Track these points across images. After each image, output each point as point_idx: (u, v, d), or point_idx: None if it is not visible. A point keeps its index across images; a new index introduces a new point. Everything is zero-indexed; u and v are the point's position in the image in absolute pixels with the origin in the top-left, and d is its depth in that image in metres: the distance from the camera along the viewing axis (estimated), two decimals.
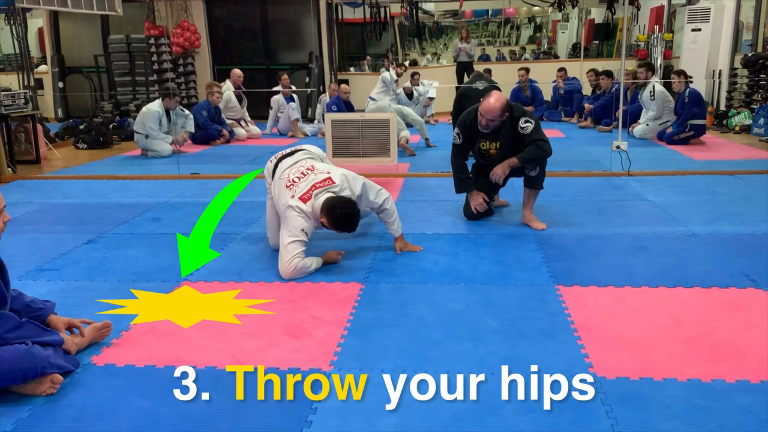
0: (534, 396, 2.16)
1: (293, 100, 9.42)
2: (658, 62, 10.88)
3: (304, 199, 3.33)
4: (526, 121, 4.02)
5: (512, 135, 4.07)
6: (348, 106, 9.21)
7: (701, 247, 3.72)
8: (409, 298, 3.05)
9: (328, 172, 3.46)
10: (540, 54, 16.24)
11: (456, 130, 4.30)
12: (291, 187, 3.40)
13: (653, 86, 7.86)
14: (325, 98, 9.56)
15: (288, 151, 3.72)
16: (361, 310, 2.91)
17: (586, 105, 9.57)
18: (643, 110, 8.21)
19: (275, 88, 9.45)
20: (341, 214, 3.27)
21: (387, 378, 2.29)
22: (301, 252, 3.30)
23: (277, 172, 3.57)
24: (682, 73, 7.69)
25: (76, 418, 2.08)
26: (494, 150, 4.22)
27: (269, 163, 3.72)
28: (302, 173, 3.44)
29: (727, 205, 4.63)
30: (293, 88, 9.62)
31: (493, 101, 3.99)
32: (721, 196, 4.91)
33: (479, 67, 11.37)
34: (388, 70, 9.20)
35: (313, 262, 3.38)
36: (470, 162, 4.45)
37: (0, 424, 2.05)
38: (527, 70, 10.48)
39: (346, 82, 11.79)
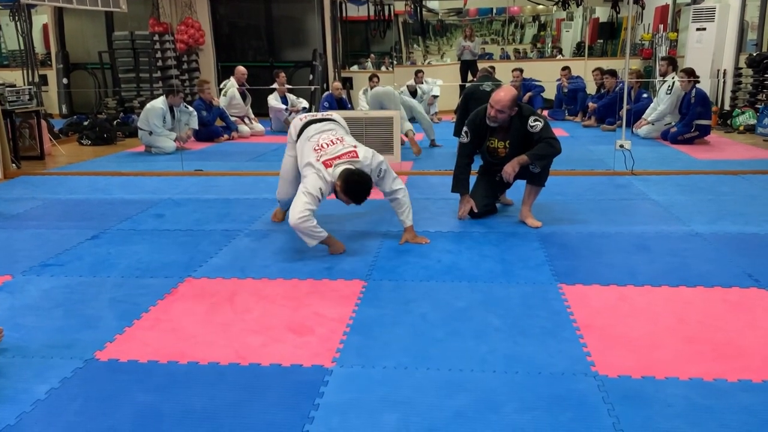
0: (536, 394, 2.16)
1: (287, 101, 9.38)
2: None
3: (327, 164, 3.53)
4: (535, 120, 4.05)
5: (521, 134, 4.09)
6: (341, 103, 9.20)
7: (704, 247, 3.72)
8: (411, 295, 3.06)
9: (355, 146, 3.67)
10: (552, 51, 16.18)
11: (464, 128, 4.31)
12: (318, 151, 3.61)
13: (673, 82, 7.81)
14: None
15: (319, 116, 3.97)
16: (363, 307, 2.91)
17: (590, 104, 9.56)
18: (653, 104, 8.17)
19: (273, 86, 9.43)
20: (355, 181, 3.50)
21: (389, 375, 2.30)
22: (313, 207, 3.47)
23: (305, 132, 3.81)
24: (691, 73, 7.59)
25: (79, 413, 2.09)
26: (503, 149, 4.24)
27: (298, 121, 3.95)
28: (331, 141, 3.67)
29: (730, 205, 4.62)
30: (286, 86, 9.58)
31: (503, 94, 4.05)
32: (724, 196, 4.91)
33: (482, 65, 11.38)
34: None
35: (323, 231, 3.52)
36: (477, 163, 4.46)
37: (3, 417, 2.06)
38: (521, 71, 10.48)
39: (349, 79, 11.82)
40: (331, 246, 3.62)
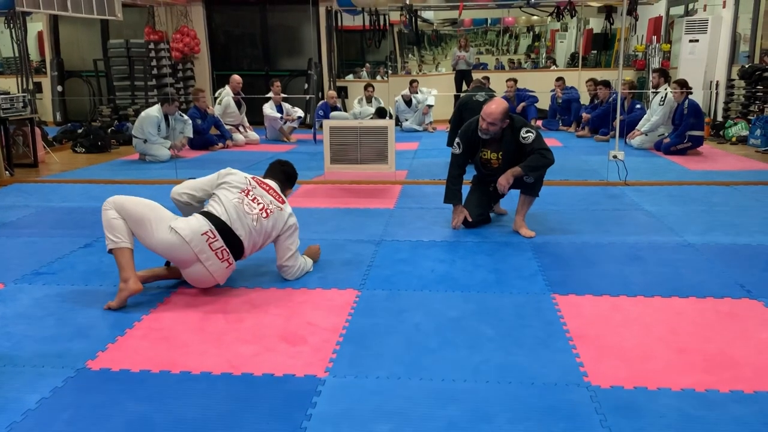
0: (528, 405, 2.16)
1: (282, 110, 9.40)
2: None
3: (282, 201, 3.35)
4: (527, 131, 4.06)
5: (514, 145, 4.11)
6: (335, 111, 9.27)
7: (697, 257, 3.73)
8: (405, 305, 3.06)
9: (245, 178, 3.35)
10: (546, 61, 16.27)
11: (456, 140, 4.33)
12: (266, 210, 3.23)
13: (666, 93, 7.85)
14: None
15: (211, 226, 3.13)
16: (357, 317, 2.91)
17: (584, 114, 9.60)
18: (646, 115, 8.22)
19: (268, 95, 9.44)
20: (293, 170, 3.59)
21: (382, 385, 2.30)
22: (299, 255, 3.44)
23: (248, 243, 3.21)
24: (683, 84, 7.65)
25: (70, 423, 2.08)
26: (496, 161, 4.26)
27: (228, 269, 3.20)
28: (253, 201, 3.23)
29: (723, 216, 4.64)
30: (281, 95, 9.59)
31: (495, 106, 4.06)
32: (717, 207, 4.93)
33: (477, 75, 11.44)
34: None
35: (309, 263, 3.53)
36: (471, 173, 4.48)
37: None
38: (515, 81, 10.54)
39: (344, 89, 11.85)
40: (311, 257, 3.62)
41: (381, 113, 9.35)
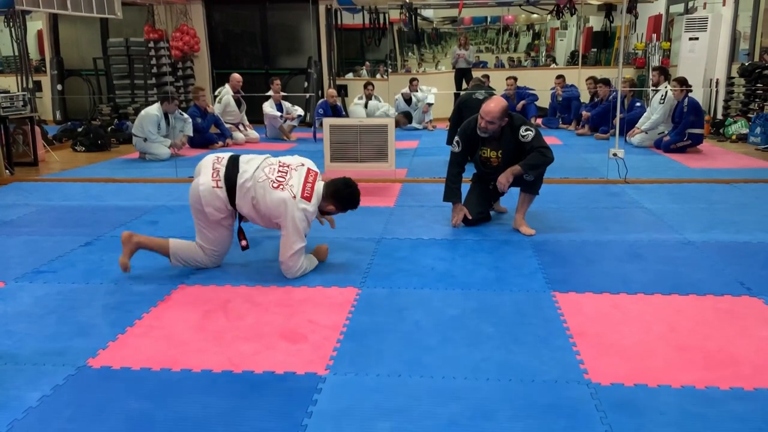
0: (529, 402, 2.16)
1: (281, 108, 9.40)
2: None
3: (307, 197, 3.31)
4: (526, 130, 4.07)
5: (513, 143, 4.11)
6: (335, 110, 9.26)
7: (697, 255, 3.74)
8: (405, 303, 3.06)
9: (302, 164, 3.45)
10: (546, 60, 16.28)
11: (456, 138, 4.34)
12: (282, 186, 3.29)
13: (666, 91, 7.84)
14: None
15: (220, 168, 3.38)
16: (357, 315, 2.92)
17: (584, 112, 9.59)
18: (646, 112, 8.21)
19: (268, 93, 9.44)
20: (349, 193, 3.48)
21: (382, 382, 2.30)
22: (303, 255, 3.41)
23: (245, 181, 3.31)
24: (683, 82, 7.64)
25: (71, 420, 2.08)
26: (495, 159, 4.26)
27: (215, 191, 3.32)
28: (280, 171, 3.34)
29: (722, 214, 4.64)
30: (281, 93, 9.59)
31: (493, 105, 4.06)
32: (716, 205, 4.93)
33: (476, 73, 11.43)
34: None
35: (313, 263, 3.51)
36: (471, 170, 4.48)
37: None
38: (515, 79, 10.54)
39: (344, 87, 11.84)
40: (319, 259, 3.61)
41: (408, 116, 9.61)
